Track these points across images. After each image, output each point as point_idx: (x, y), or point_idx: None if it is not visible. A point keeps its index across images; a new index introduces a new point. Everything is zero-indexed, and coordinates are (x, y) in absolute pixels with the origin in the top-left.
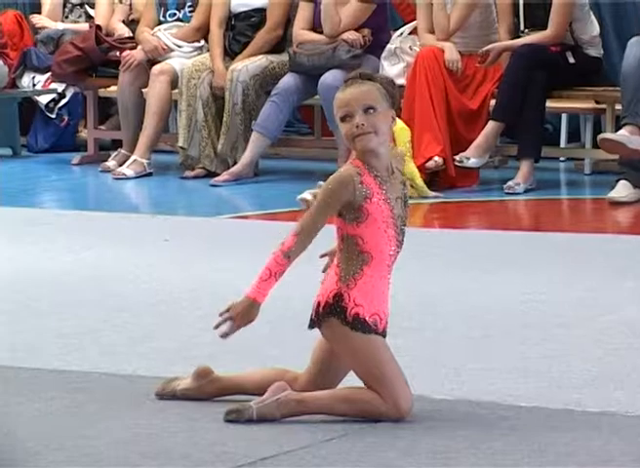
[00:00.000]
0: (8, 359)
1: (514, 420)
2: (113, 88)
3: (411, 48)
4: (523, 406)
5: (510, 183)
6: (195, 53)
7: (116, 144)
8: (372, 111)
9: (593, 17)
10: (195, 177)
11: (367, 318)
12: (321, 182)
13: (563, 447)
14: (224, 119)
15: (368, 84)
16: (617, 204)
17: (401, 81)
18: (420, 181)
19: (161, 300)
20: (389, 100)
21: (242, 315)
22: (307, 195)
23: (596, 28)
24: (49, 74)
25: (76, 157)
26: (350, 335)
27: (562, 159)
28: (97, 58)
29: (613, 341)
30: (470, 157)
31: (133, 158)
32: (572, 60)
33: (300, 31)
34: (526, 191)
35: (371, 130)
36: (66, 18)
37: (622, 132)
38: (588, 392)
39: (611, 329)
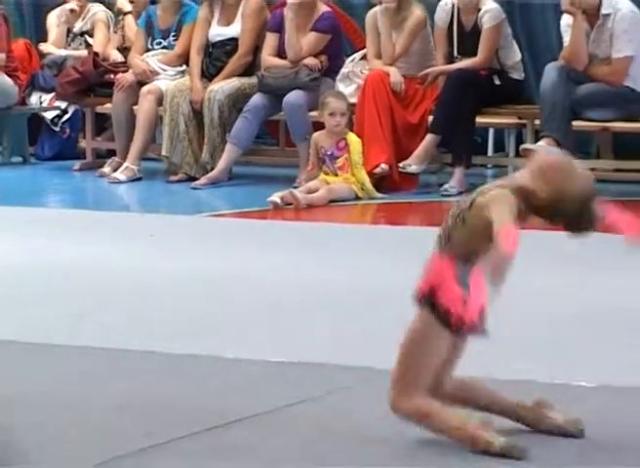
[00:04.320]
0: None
1: None
2: (108, 105)
3: (361, 71)
4: None
5: (446, 187)
6: (178, 75)
7: (111, 153)
8: None
9: (516, 45)
10: (178, 181)
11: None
12: (292, 189)
13: None
14: (205, 132)
15: None
16: None
17: (353, 100)
18: (369, 185)
19: (145, 284)
20: None
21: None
22: (276, 198)
23: (518, 55)
24: (53, 93)
25: (77, 164)
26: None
27: (489, 166)
28: (94, 80)
29: None
30: (412, 164)
31: (125, 165)
32: (498, 82)
33: (268, 57)
34: (459, 193)
35: None
36: (69, 45)
37: (541, 143)
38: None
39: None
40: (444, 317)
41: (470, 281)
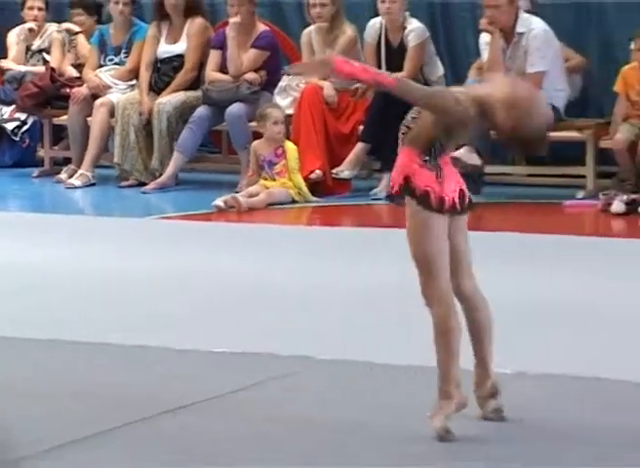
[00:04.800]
0: None
1: None
2: (64, 117)
3: (297, 85)
4: None
5: (375, 191)
6: (129, 89)
7: (67, 161)
8: None
9: (439, 61)
10: (129, 187)
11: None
12: (234, 193)
13: None
14: (154, 141)
15: None
16: None
17: (289, 111)
18: (305, 189)
19: (98, 282)
20: None
21: (315, 63)
22: (219, 202)
23: (441, 70)
24: (14, 106)
25: (35, 171)
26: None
27: None
28: (51, 94)
29: None
30: (344, 170)
31: (80, 172)
32: None
33: (211, 72)
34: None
35: None
36: (27, 62)
37: (462, 151)
38: None
39: None
40: (423, 198)
41: (440, 162)
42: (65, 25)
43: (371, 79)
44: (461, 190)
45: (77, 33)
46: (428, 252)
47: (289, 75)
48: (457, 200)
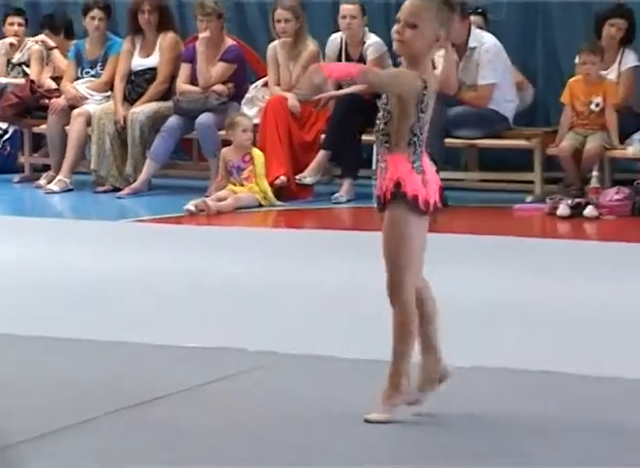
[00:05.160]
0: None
1: None
2: (44, 126)
3: (263, 96)
4: None
5: (336, 195)
6: (104, 100)
7: (46, 167)
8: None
9: None
10: (104, 192)
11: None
12: (204, 198)
13: None
14: (128, 149)
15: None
16: None
17: (256, 121)
18: (270, 194)
19: (76, 281)
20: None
21: (309, 77)
22: (190, 206)
23: None
24: None
25: (16, 177)
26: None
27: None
28: (31, 104)
29: None
30: (307, 176)
31: (58, 178)
32: None
33: (182, 84)
34: (348, 201)
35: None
36: (8, 74)
37: None
38: None
39: None
40: (412, 202)
41: (422, 163)
42: (41, 37)
43: (353, 73)
44: (441, 188)
45: (52, 48)
46: (408, 254)
47: (301, 102)
48: (437, 200)
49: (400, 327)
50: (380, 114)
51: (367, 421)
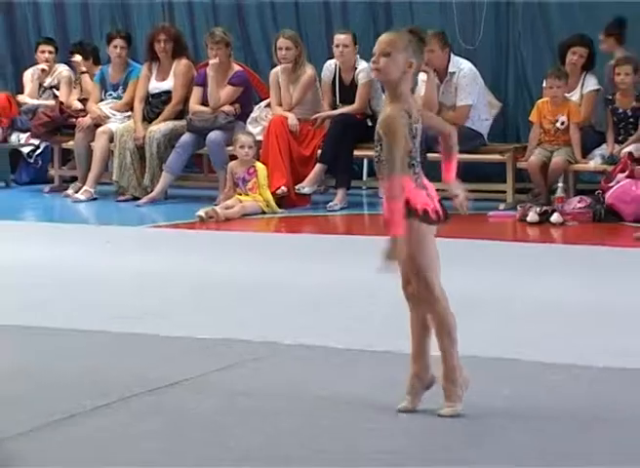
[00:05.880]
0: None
1: None
2: (71, 142)
3: (266, 116)
4: None
5: (331, 204)
6: (125, 119)
7: (73, 179)
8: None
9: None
10: (125, 201)
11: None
12: (214, 206)
13: None
14: (146, 163)
15: (400, 34)
16: None
17: (259, 138)
18: (272, 203)
19: (99, 279)
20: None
21: (392, 251)
22: (201, 213)
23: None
24: (29, 133)
25: (47, 187)
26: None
27: (364, 188)
28: (60, 123)
29: None
30: (305, 186)
31: (84, 188)
32: (370, 124)
33: (194, 105)
34: (341, 209)
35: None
36: (40, 96)
37: None
38: None
39: None
40: (424, 215)
41: (422, 178)
42: (78, 59)
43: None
44: (439, 200)
45: (83, 73)
46: (429, 261)
47: (300, 120)
48: (443, 209)
49: (440, 326)
50: (377, 148)
51: (440, 416)
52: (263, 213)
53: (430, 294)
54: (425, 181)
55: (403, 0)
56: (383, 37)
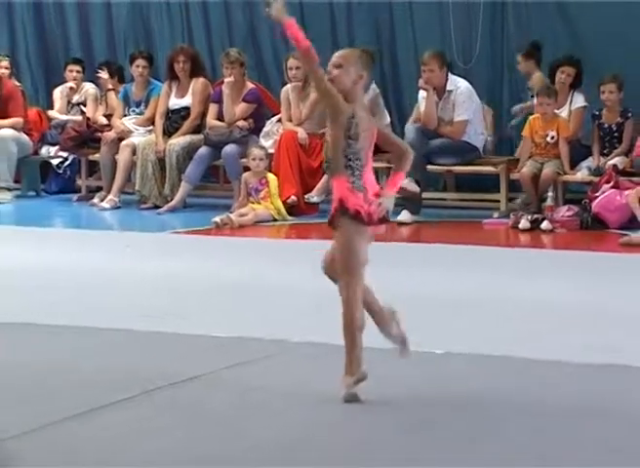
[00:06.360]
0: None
1: None
2: (97, 155)
3: (277, 130)
4: None
5: None
6: (147, 133)
7: (99, 189)
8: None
9: (386, 111)
10: (147, 208)
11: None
12: (228, 213)
13: None
14: (166, 174)
15: (353, 50)
16: (401, 224)
17: (271, 150)
18: (283, 211)
19: (122, 281)
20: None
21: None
22: (217, 218)
23: (388, 118)
24: (58, 146)
25: (75, 196)
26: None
27: None
28: (87, 137)
29: None
30: (314, 196)
31: (109, 197)
32: None
33: (211, 120)
34: None
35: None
36: (69, 112)
37: (404, 181)
38: None
39: None
40: (356, 216)
41: (364, 182)
42: (105, 76)
43: (300, 39)
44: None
45: (109, 90)
46: (357, 260)
47: (309, 134)
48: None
49: (347, 325)
50: (325, 149)
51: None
52: (275, 220)
53: (352, 294)
54: (367, 184)
55: (405, 21)
56: (338, 52)
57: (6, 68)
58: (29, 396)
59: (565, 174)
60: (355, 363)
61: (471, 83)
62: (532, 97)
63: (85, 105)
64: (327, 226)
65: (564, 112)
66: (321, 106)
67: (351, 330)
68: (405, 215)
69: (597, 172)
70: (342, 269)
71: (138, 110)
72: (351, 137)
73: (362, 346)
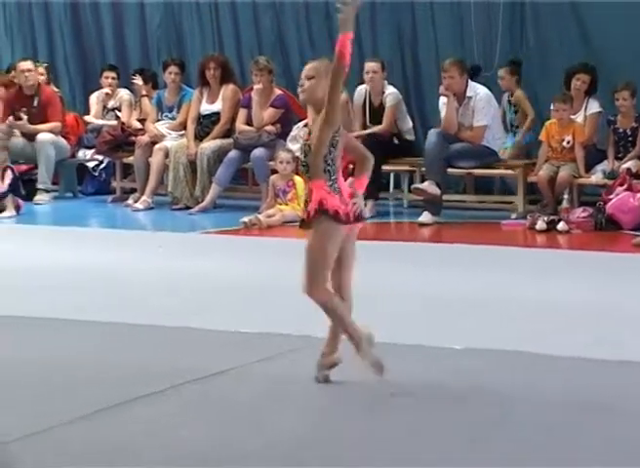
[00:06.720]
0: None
1: None
2: (131, 158)
3: (303, 134)
4: None
5: None
6: (179, 138)
7: (133, 190)
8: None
9: (408, 117)
10: (179, 209)
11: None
12: (257, 214)
13: None
14: (197, 176)
15: (322, 62)
16: (423, 225)
17: (298, 154)
18: None
19: (155, 279)
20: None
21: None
22: (245, 219)
23: (410, 123)
24: (94, 150)
25: (110, 198)
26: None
27: (391, 199)
28: (122, 141)
29: None
30: None
31: (143, 198)
32: (396, 142)
33: (240, 125)
34: (371, 217)
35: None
36: (104, 117)
37: (425, 183)
38: None
39: None
40: (334, 215)
41: (339, 185)
42: (140, 83)
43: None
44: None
45: (143, 96)
46: (327, 255)
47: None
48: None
49: (325, 309)
50: (302, 152)
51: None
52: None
53: (317, 285)
54: (343, 187)
55: (428, 33)
56: (308, 65)
57: (43, 75)
58: (60, 390)
59: (580, 177)
60: (333, 345)
61: (494, 86)
62: (515, 112)
63: (120, 110)
64: (299, 228)
65: (579, 118)
66: (345, 113)
67: (335, 314)
68: (426, 217)
69: (611, 175)
70: (310, 264)
71: (170, 115)
72: (333, 145)
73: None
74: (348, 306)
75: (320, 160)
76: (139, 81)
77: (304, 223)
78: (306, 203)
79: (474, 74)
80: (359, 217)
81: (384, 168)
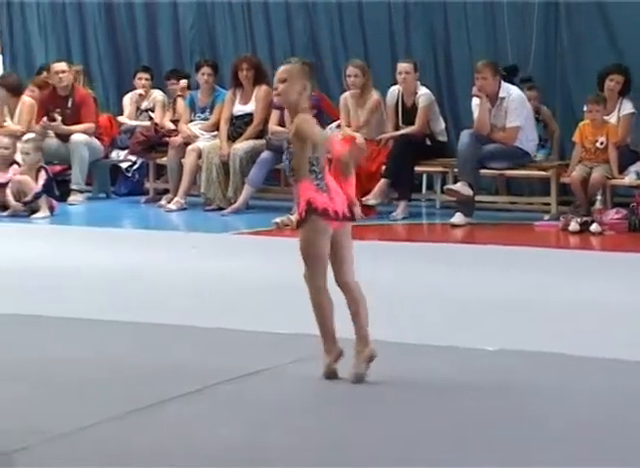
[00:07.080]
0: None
1: None
2: (164, 158)
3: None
4: None
5: (393, 214)
6: (212, 138)
7: (166, 191)
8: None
9: (441, 118)
10: (212, 210)
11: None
12: (289, 215)
13: None
14: (230, 177)
15: (294, 64)
16: (455, 226)
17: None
18: None
19: (189, 279)
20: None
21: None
22: (277, 219)
23: (443, 124)
24: (127, 151)
25: (143, 198)
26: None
27: (423, 200)
28: (155, 142)
29: None
30: (371, 199)
31: (176, 199)
32: (429, 143)
33: (273, 126)
34: (403, 218)
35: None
36: (137, 118)
37: (458, 184)
38: None
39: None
40: (324, 213)
41: (326, 183)
42: (184, 83)
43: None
44: (348, 204)
45: (177, 96)
46: (320, 252)
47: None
48: (346, 211)
49: (313, 305)
50: (285, 157)
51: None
52: None
53: (315, 282)
54: (331, 185)
55: (461, 33)
56: (281, 68)
57: (77, 74)
58: (94, 389)
59: (614, 178)
60: (330, 342)
61: (532, 87)
62: (545, 127)
63: (153, 111)
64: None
65: (613, 118)
66: (378, 114)
67: (321, 314)
68: (458, 218)
69: None
70: (306, 261)
71: (203, 116)
72: (314, 147)
73: (334, 326)
74: (354, 298)
75: (304, 162)
76: (183, 83)
77: (298, 224)
78: (298, 205)
79: (512, 74)
80: (350, 217)
81: (417, 169)
